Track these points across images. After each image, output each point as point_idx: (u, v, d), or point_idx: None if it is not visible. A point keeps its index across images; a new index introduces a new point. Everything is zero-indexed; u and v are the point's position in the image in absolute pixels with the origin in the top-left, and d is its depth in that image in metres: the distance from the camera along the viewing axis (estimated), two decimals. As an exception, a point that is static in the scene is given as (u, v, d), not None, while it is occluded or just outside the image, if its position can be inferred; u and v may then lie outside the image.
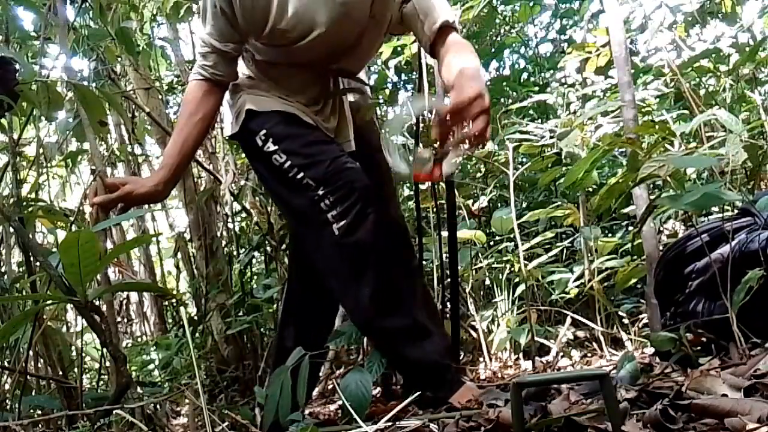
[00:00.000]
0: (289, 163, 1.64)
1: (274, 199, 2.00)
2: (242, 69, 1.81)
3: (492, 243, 3.40)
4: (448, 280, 2.92)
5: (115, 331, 2.32)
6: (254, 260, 4.23)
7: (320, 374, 2.36)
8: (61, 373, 2.22)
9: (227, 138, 1.96)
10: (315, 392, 2.88)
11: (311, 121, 1.73)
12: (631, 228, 3.34)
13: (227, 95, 1.77)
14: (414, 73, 3.87)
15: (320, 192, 1.64)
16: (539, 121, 3.40)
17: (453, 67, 1.48)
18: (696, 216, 2.77)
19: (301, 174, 1.64)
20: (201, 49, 1.64)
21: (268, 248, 3.83)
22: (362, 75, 1.93)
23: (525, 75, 5.14)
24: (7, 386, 2.34)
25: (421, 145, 1.50)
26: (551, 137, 2.96)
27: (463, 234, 3.14)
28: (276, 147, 1.64)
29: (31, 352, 2.18)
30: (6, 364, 2.15)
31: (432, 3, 1.63)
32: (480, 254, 3.34)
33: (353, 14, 1.59)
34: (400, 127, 1.38)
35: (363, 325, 1.79)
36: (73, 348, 2.81)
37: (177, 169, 1.67)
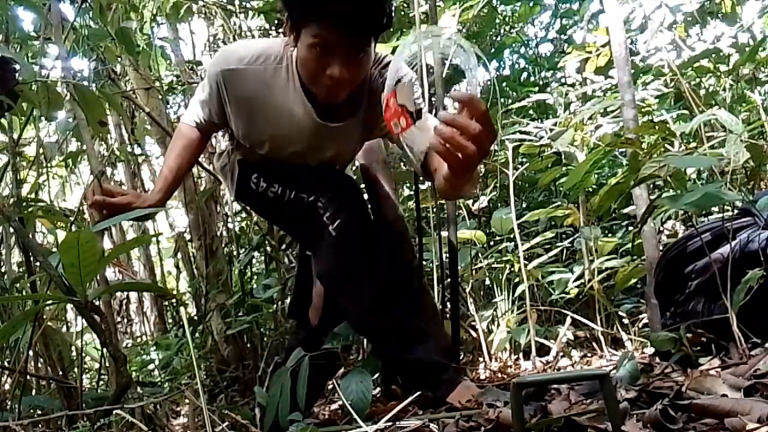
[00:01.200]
0: (281, 188, 1.75)
1: (283, 228, 2.09)
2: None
3: (492, 243, 3.40)
4: (448, 280, 2.92)
5: (115, 331, 2.33)
6: (254, 260, 4.23)
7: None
8: (61, 373, 2.22)
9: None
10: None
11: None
12: (631, 228, 3.34)
13: (217, 165, 1.96)
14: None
15: (312, 197, 1.70)
16: (539, 121, 3.40)
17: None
18: (696, 216, 2.77)
19: (294, 191, 1.73)
20: (193, 115, 1.79)
21: (268, 248, 3.83)
22: None
23: (525, 75, 5.14)
24: (7, 386, 2.34)
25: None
26: (548, 137, 2.97)
27: (463, 234, 3.14)
28: (266, 184, 1.77)
29: (31, 352, 2.18)
30: (6, 364, 2.15)
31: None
32: (480, 254, 3.34)
33: (340, 158, 1.86)
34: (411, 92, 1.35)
35: (359, 324, 1.79)
36: (73, 348, 2.81)
37: (173, 190, 1.84)
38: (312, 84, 1.51)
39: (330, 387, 2.88)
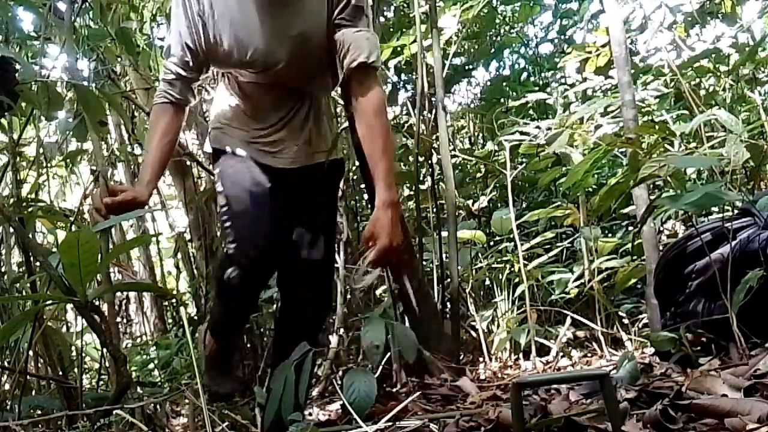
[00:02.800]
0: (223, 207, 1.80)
1: None
2: (219, 91, 1.90)
3: (492, 243, 3.40)
4: (448, 280, 2.93)
5: (115, 331, 2.33)
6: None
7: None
8: (61, 373, 2.22)
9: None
10: (315, 392, 2.89)
11: (245, 155, 1.81)
12: (631, 228, 3.34)
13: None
14: (414, 73, 3.87)
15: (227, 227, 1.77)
16: (539, 121, 3.40)
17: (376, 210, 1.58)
18: (696, 216, 2.77)
19: (226, 218, 1.78)
20: (166, 76, 1.70)
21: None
22: None
23: (525, 75, 5.14)
24: (7, 386, 2.34)
25: None
26: (545, 138, 2.97)
27: (463, 234, 3.14)
28: (221, 189, 1.80)
29: (31, 352, 2.18)
30: (6, 364, 2.15)
31: (360, 40, 1.58)
32: (480, 254, 3.34)
33: (310, 45, 1.64)
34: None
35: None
36: (73, 348, 2.81)
37: (159, 177, 1.82)
38: None
39: (330, 387, 2.88)
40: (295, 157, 1.83)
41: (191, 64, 1.67)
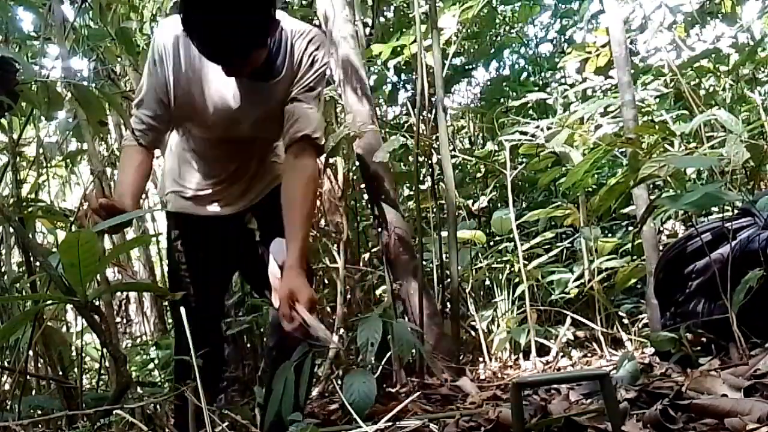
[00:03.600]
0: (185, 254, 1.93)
1: None
2: (172, 138, 1.97)
3: (492, 243, 3.40)
4: (448, 280, 2.93)
5: (114, 331, 2.32)
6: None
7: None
8: (61, 373, 2.22)
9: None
10: (315, 392, 2.89)
11: (194, 210, 1.91)
12: (631, 228, 3.34)
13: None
14: (413, 73, 3.88)
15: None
16: (539, 121, 3.40)
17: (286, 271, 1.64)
18: (696, 216, 2.77)
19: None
20: (137, 125, 1.76)
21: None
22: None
23: (525, 75, 5.15)
24: (7, 386, 2.34)
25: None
26: (544, 137, 2.97)
27: (463, 234, 3.14)
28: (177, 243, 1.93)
29: (31, 352, 2.18)
30: (6, 364, 2.15)
31: (309, 115, 1.71)
32: (480, 254, 3.34)
33: (273, 114, 1.75)
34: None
35: None
36: (73, 348, 2.81)
37: (136, 205, 1.81)
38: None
39: (330, 387, 2.88)
40: (243, 201, 1.92)
41: (163, 116, 1.74)
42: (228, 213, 1.90)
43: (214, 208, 1.90)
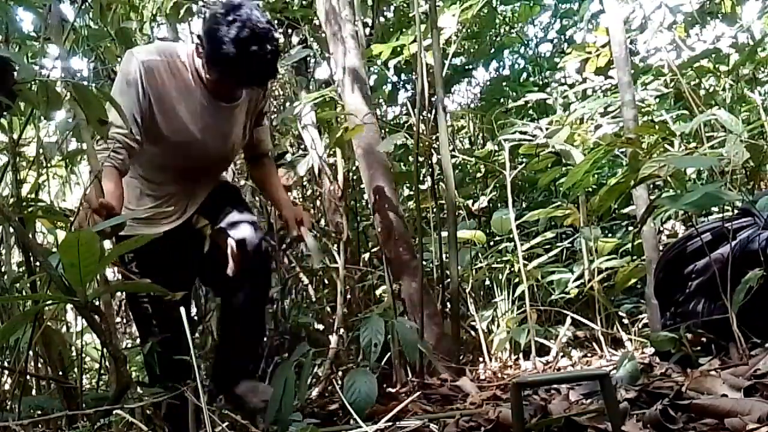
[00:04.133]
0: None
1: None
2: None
3: (492, 243, 3.40)
4: (448, 280, 2.93)
5: (114, 331, 2.33)
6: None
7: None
8: (61, 373, 2.22)
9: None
10: (315, 392, 2.89)
11: (148, 230, 1.94)
12: (631, 228, 3.34)
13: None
14: (413, 73, 3.88)
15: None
16: (538, 121, 3.40)
17: (281, 202, 2.18)
18: (696, 216, 2.77)
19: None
20: (113, 145, 1.81)
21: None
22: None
23: (525, 75, 5.15)
24: (7, 386, 2.34)
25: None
26: (545, 135, 2.97)
27: (463, 234, 3.14)
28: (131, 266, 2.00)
29: (31, 352, 2.18)
30: (6, 364, 2.15)
31: (266, 135, 2.18)
32: (480, 254, 3.34)
33: (232, 138, 2.00)
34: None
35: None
36: (73, 348, 2.80)
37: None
38: (212, 91, 1.87)
39: (330, 387, 2.88)
40: (193, 208, 2.06)
41: (138, 138, 1.84)
42: (180, 223, 2.02)
43: (167, 225, 1.98)
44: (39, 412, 1.97)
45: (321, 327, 3.95)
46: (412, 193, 4.19)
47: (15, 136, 2.21)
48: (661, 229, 3.30)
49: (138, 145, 1.82)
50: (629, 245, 3.02)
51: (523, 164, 3.51)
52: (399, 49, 3.76)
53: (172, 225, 1.99)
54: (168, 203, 1.99)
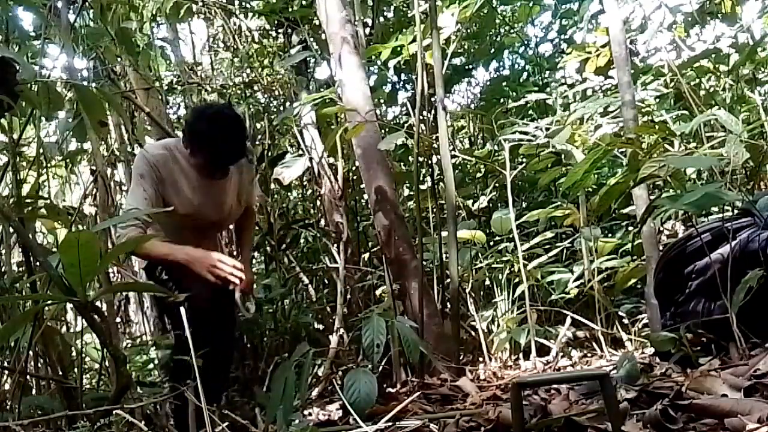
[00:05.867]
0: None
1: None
2: None
3: (492, 243, 3.40)
4: (448, 280, 2.93)
5: (115, 331, 2.33)
6: (254, 260, 4.23)
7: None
8: (61, 373, 2.22)
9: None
10: (315, 392, 2.89)
11: None
12: (631, 228, 3.34)
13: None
14: (413, 73, 3.87)
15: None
16: (538, 121, 3.40)
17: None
18: (696, 216, 2.77)
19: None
20: (134, 223, 2.18)
21: (268, 248, 3.83)
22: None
23: (525, 75, 5.14)
24: (7, 386, 2.34)
25: None
26: (546, 135, 2.97)
27: (463, 234, 3.14)
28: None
29: (31, 352, 2.18)
30: (6, 364, 2.15)
31: (253, 195, 2.60)
32: (480, 254, 3.34)
33: (226, 206, 2.39)
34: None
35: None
36: (73, 348, 2.80)
37: None
38: (200, 172, 2.27)
39: (330, 387, 2.88)
40: None
41: (149, 219, 2.23)
42: None
43: None
44: (39, 412, 1.97)
45: (321, 327, 3.96)
46: (412, 193, 4.19)
47: (15, 136, 2.21)
48: (661, 229, 3.29)
49: (149, 223, 2.23)
50: (629, 245, 3.02)
51: (523, 164, 3.51)
52: (399, 49, 3.76)
53: None
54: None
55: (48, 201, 2.66)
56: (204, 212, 2.34)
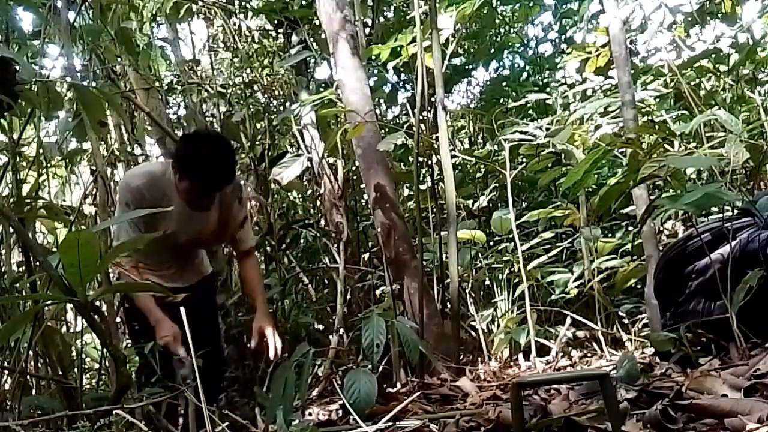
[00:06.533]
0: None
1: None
2: None
3: (492, 243, 3.40)
4: (448, 280, 2.92)
5: (115, 331, 2.33)
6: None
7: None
8: (61, 373, 2.22)
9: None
10: (315, 392, 2.89)
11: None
12: (631, 228, 3.34)
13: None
14: (413, 73, 3.87)
15: None
16: (538, 121, 3.40)
17: (254, 305, 2.52)
18: (696, 216, 2.77)
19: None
20: (126, 258, 2.28)
21: (268, 248, 3.83)
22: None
23: (525, 75, 5.14)
24: (7, 386, 2.34)
25: None
26: (546, 134, 2.96)
27: (463, 234, 3.14)
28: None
29: (31, 352, 2.18)
30: (6, 364, 2.15)
31: (248, 234, 2.58)
32: (480, 254, 3.34)
33: (210, 232, 2.43)
34: None
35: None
36: (73, 348, 2.80)
37: None
38: (185, 200, 2.29)
39: (330, 387, 2.88)
40: (184, 280, 2.50)
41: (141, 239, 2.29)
42: (179, 285, 2.45)
43: (171, 284, 2.43)
44: (39, 412, 1.97)
45: (321, 327, 3.96)
46: (412, 193, 4.18)
47: (15, 136, 2.21)
48: (661, 229, 3.30)
49: (140, 252, 2.31)
50: (629, 245, 3.02)
51: (523, 164, 3.51)
52: (398, 49, 3.76)
53: (176, 285, 2.42)
54: (167, 271, 2.48)
55: (47, 201, 2.66)
56: (182, 237, 2.39)
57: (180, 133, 4.66)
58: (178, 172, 2.26)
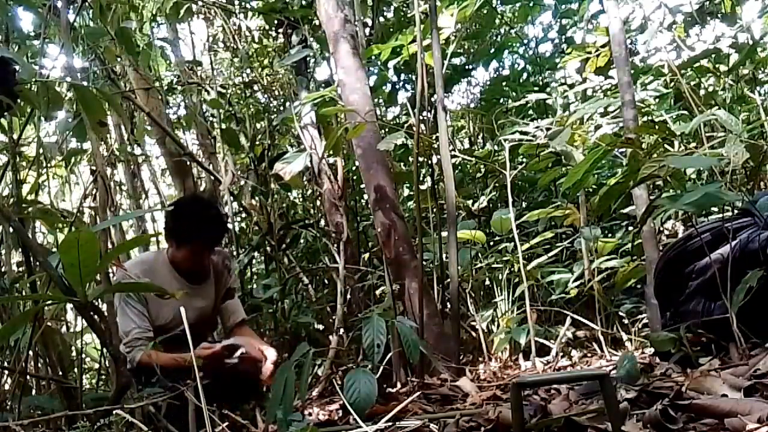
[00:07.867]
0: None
1: None
2: None
3: (492, 243, 3.40)
4: (448, 280, 2.93)
5: (115, 331, 2.34)
6: (254, 260, 4.23)
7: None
8: (61, 373, 2.23)
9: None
10: (315, 392, 2.89)
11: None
12: (631, 228, 3.34)
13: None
14: (413, 73, 3.87)
15: None
16: (538, 121, 3.40)
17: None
18: (696, 216, 2.77)
19: None
20: (135, 343, 2.27)
21: (268, 248, 3.83)
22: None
23: (525, 75, 5.14)
24: (7, 386, 2.34)
25: None
26: (546, 136, 2.97)
27: (463, 234, 3.14)
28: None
29: (31, 352, 2.18)
30: (6, 364, 2.15)
31: (239, 305, 2.66)
32: (480, 254, 3.34)
33: (205, 312, 2.50)
34: None
35: None
36: (73, 348, 2.81)
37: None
38: (184, 264, 2.39)
39: (330, 387, 2.88)
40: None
41: (149, 329, 2.36)
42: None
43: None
44: (39, 412, 1.97)
45: (321, 327, 3.96)
46: (412, 193, 4.19)
47: (15, 136, 2.21)
48: (661, 229, 3.30)
49: (150, 332, 2.33)
50: (629, 245, 3.02)
51: (523, 164, 3.51)
52: (398, 49, 3.76)
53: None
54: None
55: (43, 206, 2.66)
56: (189, 312, 2.38)
57: (180, 133, 4.67)
58: (175, 240, 2.37)
